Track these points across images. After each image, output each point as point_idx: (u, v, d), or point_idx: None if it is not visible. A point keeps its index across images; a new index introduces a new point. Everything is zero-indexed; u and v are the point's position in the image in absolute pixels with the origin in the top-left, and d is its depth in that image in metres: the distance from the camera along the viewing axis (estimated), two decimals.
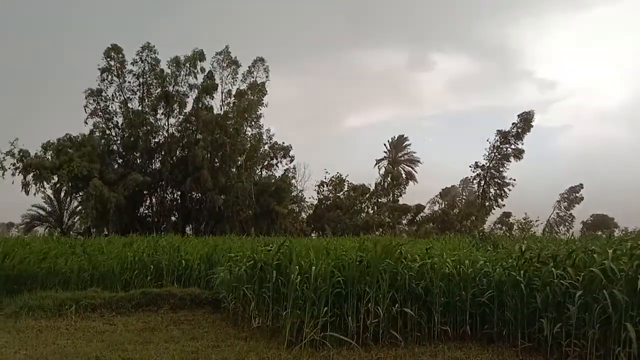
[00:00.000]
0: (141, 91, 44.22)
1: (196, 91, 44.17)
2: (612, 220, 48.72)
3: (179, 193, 45.02)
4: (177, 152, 44.88)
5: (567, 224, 51.91)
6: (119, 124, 44.10)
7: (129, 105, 43.93)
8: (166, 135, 44.63)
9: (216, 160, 43.90)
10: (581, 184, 52.01)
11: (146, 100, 44.27)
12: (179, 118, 44.91)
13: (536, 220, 46.16)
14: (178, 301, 11.83)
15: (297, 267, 8.39)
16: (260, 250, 9.99)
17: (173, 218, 45.61)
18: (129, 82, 43.83)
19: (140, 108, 44.07)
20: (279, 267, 8.98)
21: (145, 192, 43.39)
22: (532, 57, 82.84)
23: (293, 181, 48.45)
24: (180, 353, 7.70)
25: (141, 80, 43.96)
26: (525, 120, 47.19)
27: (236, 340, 8.66)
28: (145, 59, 43.64)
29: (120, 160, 44.67)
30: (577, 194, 52.04)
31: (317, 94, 79.66)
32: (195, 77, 44.32)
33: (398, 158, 56.44)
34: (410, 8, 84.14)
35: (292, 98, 71.34)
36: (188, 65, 43.83)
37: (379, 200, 53.15)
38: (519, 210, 48.21)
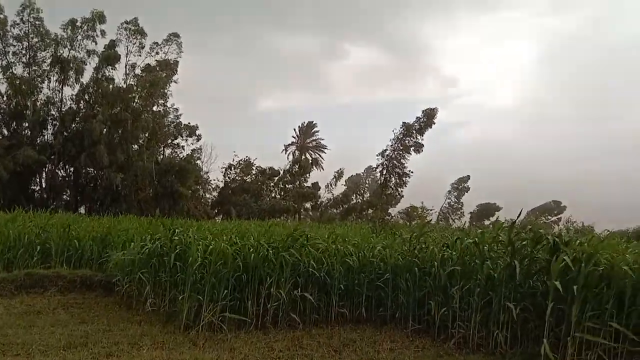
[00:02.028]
0: (27, 56, 40.04)
1: (96, 59, 40.95)
2: (494, 205, 52.81)
3: (72, 169, 41.91)
4: (72, 125, 41.35)
5: (457, 212, 55.58)
6: (1, 92, 39.89)
7: (13, 70, 39.78)
8: (60, 105, 41.13)
9: (115, 136, 41.21)
10: (468, 175, 55.33)
11: (33, 65, 40.21)
12: (76, 88, 41.46)
13: (431, 209, 49.16)
14: (67, 283, 11.10)
15: (196, 250, 8.21)
16: (159, 235, 9.63)
17: (65, 196, 42.53)
18: (13, 45, 39.60)
19: (27, 74, 40.02)
20: (176, 250, 8.72)
21: (34, 166, 39.83)
22: (437, 54, 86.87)
23: (198, 162, 47.04)
24: (67, 337, 7.26)
25: (25, 43, 39.74)
26: (429, 116, 49.34)
27: (129, 324, 8.35)
28: (27, 20, 39.40)
29: (5, 131, 40.53)
30: (465, 184, 55.67)
31: (229, 75, 77.81)
32: (95, 41, 40.95)
33: (306, 144, 57.07)
34: None
35: (202, 76, 68.96)
36: (85, 28, 40.32)
37: (286, 186, 53.51)
38: (418, 200, 51.02)
